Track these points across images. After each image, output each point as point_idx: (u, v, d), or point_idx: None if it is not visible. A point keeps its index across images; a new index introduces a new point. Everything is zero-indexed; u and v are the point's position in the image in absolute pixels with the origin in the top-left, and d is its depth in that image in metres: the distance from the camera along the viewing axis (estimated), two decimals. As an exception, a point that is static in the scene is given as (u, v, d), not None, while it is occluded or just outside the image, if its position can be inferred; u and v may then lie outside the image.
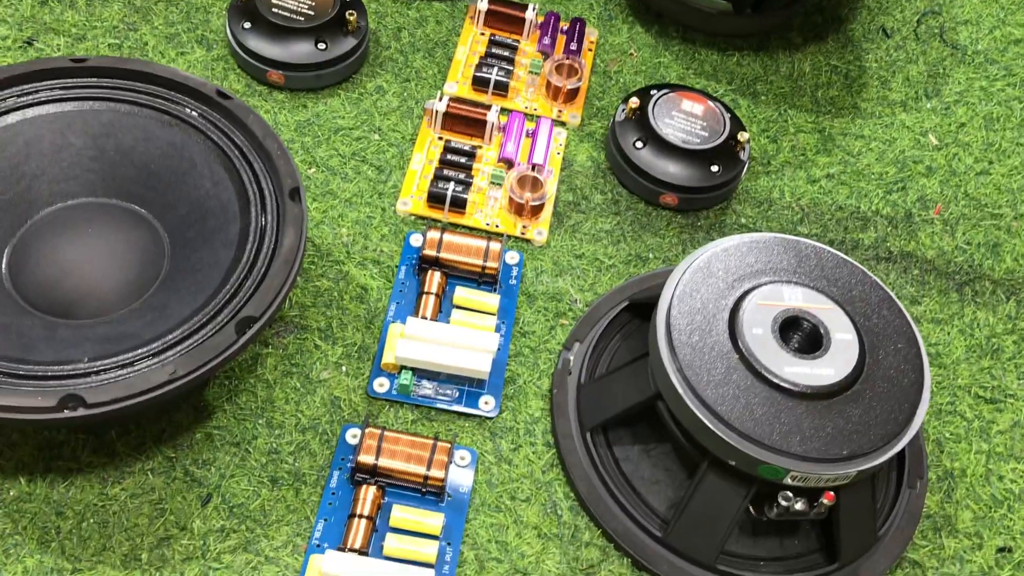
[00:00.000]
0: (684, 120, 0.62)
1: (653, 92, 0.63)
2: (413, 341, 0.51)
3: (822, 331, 0.46)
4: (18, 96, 0.49)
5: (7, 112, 0.49)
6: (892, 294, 0.49)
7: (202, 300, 0.44)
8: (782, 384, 0.44)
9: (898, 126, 0.69)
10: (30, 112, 0.49)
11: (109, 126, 0.50)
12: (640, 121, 0.62)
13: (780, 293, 0.48)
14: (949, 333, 0.59)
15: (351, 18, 0.63)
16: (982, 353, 0.58)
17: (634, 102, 0.62)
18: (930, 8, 0.77)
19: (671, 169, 0.60)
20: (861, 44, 0.74)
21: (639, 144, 0.61)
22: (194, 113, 0.50)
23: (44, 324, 0.45)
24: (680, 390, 0.44)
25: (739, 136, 0.61)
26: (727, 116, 0.62)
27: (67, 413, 0.39)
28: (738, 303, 0.47)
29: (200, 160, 0.49)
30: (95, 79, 0.50)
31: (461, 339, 0.52)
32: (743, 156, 0.61)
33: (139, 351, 0.42)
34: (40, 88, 0.49)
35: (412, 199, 0.60)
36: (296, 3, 0.62)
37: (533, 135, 0.63)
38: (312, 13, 0.62)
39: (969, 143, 0.69)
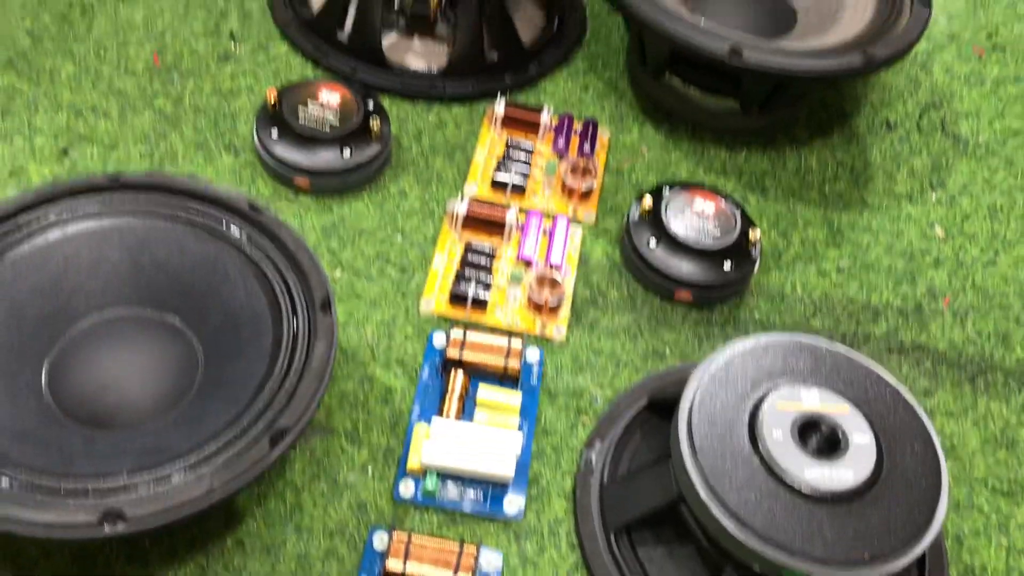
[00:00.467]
0: (696, 219, 0.63)
1: (665, 191, 0.65)
2: (438, 444, 0.53)
3: (840, 433, 0.47)
4: (59, 213, 0.51)
5: (49, 229, 0.51)
6: (906, 394, 0.50)
7: (236, 412, 0.46)
8: (803, 490, 0.45)
9: (905, 218, 0.71)
10: (70, 228, 0.51)
11: (145, 240, 0.52)
12: (653, 220, 0.63)
13: (798, 395, 0.49)
14: (964, 425, 0.60)
15: (375, 126, 0.65)
16: (997, 445, 0.59)
17: (647, 202, 0.64)
18: (931, 101, 0.79)
19: (685, 268, 0.62)
20: (866, 138, 0.76)
21: (653, 243, 0.63)
22: (227, 226, 0.52)
23: (83, 436, 0.46)
24: (703, 495, 0.45)
25: (750, 234, 0.63)
26: (738, 214, 0.64)
27: (107, 529, 0.40)
28: (757, 406, 0.48)
29: (233, 272, 0.51)
30: (131, 194, 0.52)
31: (485, 440, 0.53)
32: (754, 253, 0.63)
33: (176, 464, 0.43)
34: (79, 205, 0.52)
35: (435, 299, 0.61)
36: (322, 112, 0.65)
37: (550, 234, 0.65)
38: (337, 122, 0.65)
39: (975, 234, 0.70)
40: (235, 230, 0.52)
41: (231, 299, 0.51)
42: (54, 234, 0.51)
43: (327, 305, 0.49)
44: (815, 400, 0.49)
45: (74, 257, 0.51)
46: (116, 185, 0.52)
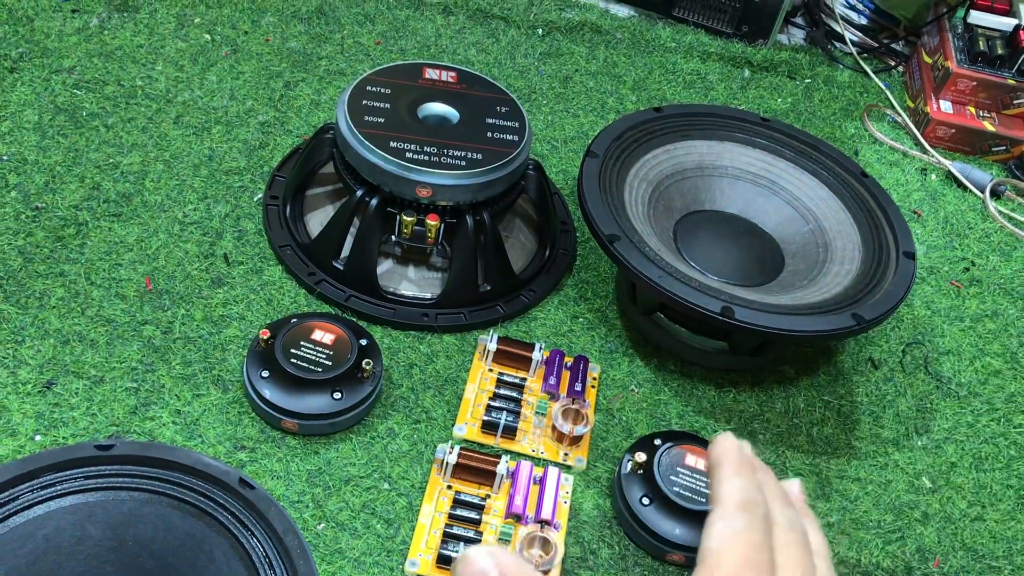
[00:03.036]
0: (689, 476, 0.63)
1: (657, 442, 0.65)
2: None
3: None
4: (42, 488, 0.50)
5: (30, 506, 0.49)
6: None
7: None
8: None
9: (892, 467, 0.71)
10: (53, 504, 0.49)
11: (130, 515, 0.50)
12: (646, 476, 0.63)
13: None
14: None
15: (367, 367, 0.65)
16: None
17: (639, 456, 0.63)
18: (914, 338, 0.81)
19: (677, 531, 0.61)
20: (851, 377, 0.77)
21: (645, 501, 0.62)
22: (214, 503, 0.51)
23: None
24: None
25: (742, 493, 0.63)
26: (730, 469, 0.64)
27: None
28: None
29: (219, 554, 0.49)
30: (119, 466, 0.51)
31: None
32: (747, 513, 0.63)
33: None
34: (64, 479, 0.50)
35: (420, 559, 0.60)
36: (315, 353, 0.65)
37: (541, 483, 0.64)
38: (330, 363, 0.65)
39: (961, 485, 0.71)
40: (222, 507, 0.51)
41: (215, 585, 0.49)
42: (37, 511, 0.49)
43: (315, 598, 0.47)
44: None
45: (55, 536, 0.49)
46: (105, 456, 0.51)
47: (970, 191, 0.97)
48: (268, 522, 0.50)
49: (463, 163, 0.70)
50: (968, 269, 0.88)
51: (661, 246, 0.71)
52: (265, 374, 0.64)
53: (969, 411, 0.76)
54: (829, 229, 0.76)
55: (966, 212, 0.94)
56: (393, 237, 0.72)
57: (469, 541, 0.60)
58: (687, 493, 0.62)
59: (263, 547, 0.49)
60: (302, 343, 0.65)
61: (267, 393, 0.63)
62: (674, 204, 0.77)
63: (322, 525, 0.60)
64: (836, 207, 0.77)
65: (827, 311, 0.66)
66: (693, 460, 0.64)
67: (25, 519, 0.49)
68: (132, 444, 0.52)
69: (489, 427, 0.67)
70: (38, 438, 0.61)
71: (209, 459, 0.52)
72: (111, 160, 0.79)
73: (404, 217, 0.70)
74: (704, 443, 0.65)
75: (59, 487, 0.50)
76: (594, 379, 0.73)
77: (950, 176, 0.98)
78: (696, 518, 0.61)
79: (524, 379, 0.71)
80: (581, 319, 0.77)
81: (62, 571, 0.49)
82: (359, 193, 0.71)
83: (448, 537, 0.60)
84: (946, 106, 1.02)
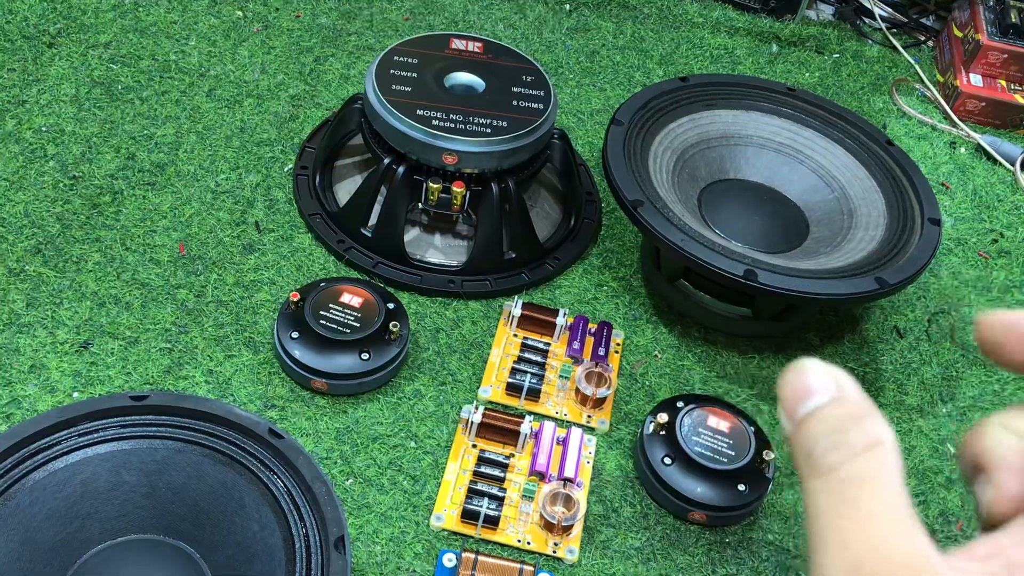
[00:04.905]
0: (710, 438, 0.64)
1: (680, 405, 0.65)
2: None
3: None
4: (79, 435, 0.51)
5: (69, 452, 0.51)
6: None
7: (246, 660, 0.45)
8: None
9: (916, 433, 0.71)
10: (90, 451, 0.51)
11: (163, 463, 0.52)
12: (668, 437, 0.64)
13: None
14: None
15: (394, 329, 0.66)
16: None
17: (662, 417, 0.64)
18: (940, 307, 0.81)
19: (699, 489, 0.62)
20: (876, 344, 0.77)
21: (667, 460, 0.63)
22: (245, 452, 0.52)
23: None
24: None
25: (764, 455, 0.63)
26: (752, 431, 0.64)
27: None
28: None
29: (249, 501, 0.51)
30: (153, 416, 0.53)
31: None
32: (769, 474, 0.63)
33: None
34: (100, 427, 0.52)
35: (446, 514, 0.61)
36: (343, 315, 0.66)
37: (564, 443, 0.65)
38: (358, 324, 0.66)
39: (986, 451, 0.70)
40: (252, 456, 0.52)
41: (245, 530, 0.50)
42: (74, 456, 0.51)
43: (341, 543, 0.49)
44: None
45: (92, 481, 0.51)
46: (139, 407, 0.53)
47: (1000, 164, 0.96)
48: (297, 470, 0.51)
49: (488, 130, 0.71)
50: (996, 241, 0.88)
51: (685, 213, 0.71)
52: (295, 335, 0.65)
53: (995, 380, 0.76)
54: (854, 196, 0.76)
55: (995, 185, 0.94)
56: (420, 204, 0.73)
57: (493, 497, 0.61)
58: (709, 453, 0.63)
59: (291, 494, 0.51)
60: (331, 305, 0.67)
61: (297, 353, 0.65)
62: (699, 173, 0.78)
63: (350, 480, 0.62)
64: (861, 175, 0.77)
65: (850, 275, 0.67)
66: (715, 422, 0.65)
67: (64, 464, 0.51)
68: (166, 395, 0.53)
69: (513, 389, 0.68)
70: (76, 395, 0.63)
71: (240, 410, 0.53)
72: (145, 131, 0.81)
73: (430, 184, 0.71)
74: (728, 406, 0.66)
75: (96, 435, 0.52)
76: (617, 345, 0.73)
77: (979, 149, 0.97)
78: (718, 478, 0.62)
79: (548, 344, 0.71)
80: (605, 287, 0.77)
81: (98, 515, 0.51)
82: (387, 161, 0.72)
83: (472, 493, 0.61)
84: (976, 79, 1.01)
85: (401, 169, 0.72)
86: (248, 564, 0.50)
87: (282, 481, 0.51)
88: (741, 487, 0.62)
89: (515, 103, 0.74)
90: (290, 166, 0.81)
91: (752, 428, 0.65)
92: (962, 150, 0.98)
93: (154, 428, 0.52)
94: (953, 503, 0.67)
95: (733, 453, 0.63)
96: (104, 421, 0.52)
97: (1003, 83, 1.02)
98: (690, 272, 0.73)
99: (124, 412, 0.52)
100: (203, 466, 0.52)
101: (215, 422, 0.53)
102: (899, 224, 0.72)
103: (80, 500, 0.50)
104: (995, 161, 0.96)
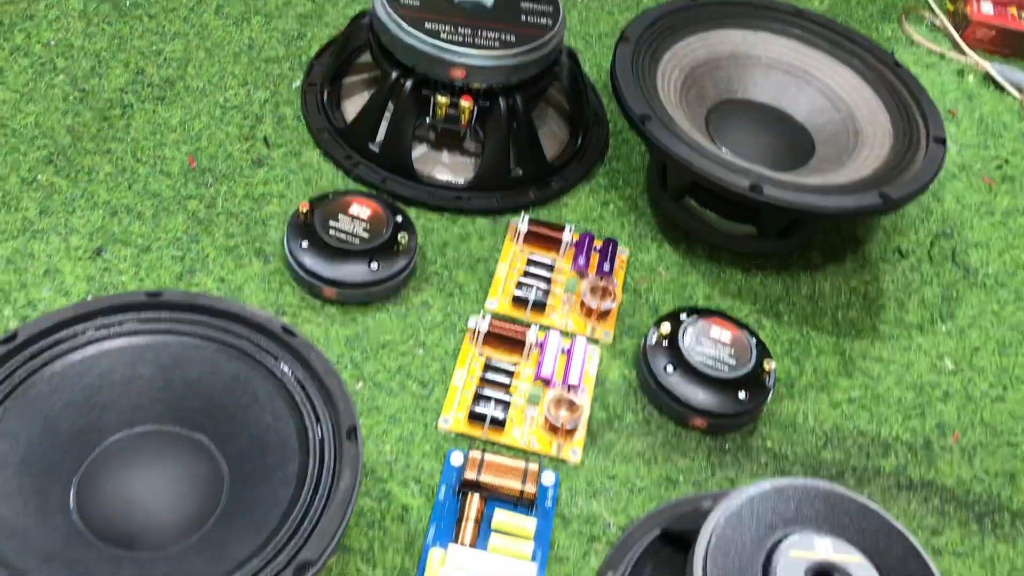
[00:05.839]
0: (713, 347, 0.65)
1: (683, 316, 0.66)
2: (454, 573, 0.53)
3: (852, 586, 0.48)
4: (96, 330, 0.52)
5: (86, 345, 0.52)
6: (918, 545, 0.51)
7: (260, 541, 0.46)
8: (815, 644, 0.46)
9: (915, 349, 0.72)
10: (106, 344, 0.52)
11: (178, 358, 0.53)
12: (671, 346, 0.65)
13: (811, 543, 0.50)
14: (971, 568, 0.60)
15: (402, 240, 0.67)
16: (1004, 589, 0.60)
17: (665, 328, 0.65)
18: (942, 230, 0.81)
19: (700, 396, 0.63)
20: (878, 264, 0.78)
21: (670, 368, 0.64)
22: (258, 348, 0.53)
23: (109, 559, 0.47)
24: (717, 646, 0.46)
25: (765, 364, 0.64)
26: (753, 342, 0.66)
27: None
28: (771, 553, 0.49)
29: (262, 394, 0.52)
30: (168, 312, 0.54)
31: (499, 570, 0.54)
32: (769, 383, 0.64)
33: (201, 594, 0.44)
34: (116, 322, 0.53)
35: (453, 416, 0.62)
36: (352, 225, 0.67)
37: (568, 353, 0.66)
38: (367, 235, 0.67)
39: (984, 368, 0.72)
40: (265, 352, 0.53)
41: (259, 422, 0.52)
42: (91, 350, 0.52)
43: (353, 433, 0.50)
44: (828, 549, 0.50)
45: (108, 373, 0.52)
46: (154, 303, 0.54)
47: (1007, 92, 0.96)
48: (309, 365, 0.52)
49: (497, 44, 0.71)
50: (1001, 167, 0.88)
51: (693, 130, 0.72)
52: (305, 244, 0.66)
53: (995, 300, 0.77)
54: (860, 117, 0.76)
55: (1002, 113, 0.94)
56: (427, 120, 0.74)
57: (499, 402, 0.62)
58: (711, 362, 0.64)
59: (304, 387, 0.52)
60: (340, 216, 0.67)
61: (307, 262, 0.66)
62: (707, 92, 0.78)
63: (360, 384, 0.63)
64: (868, 96, 0.77)
65: (854, 191, 0.67)
66: (718, 332, 0.66)
67: (81, 357, 0.52)
68: (180, 293, 0.54)
69: (519, 302, 0.69)
70: (90, 298, 0.64)
71: (253, 308, 0.54)
72: (154, 47, 0.81)
73: (438, 98, 0.72)
74: (730, 319, 0.67)
75: (112, 329, 0.53)
76: (622, 261, 0.74)
77: (988, 78, 0.97)
78: (719, 385, 0.63)
79: (554, 260, 0.72)
80: (611, 206, 0.78)
81: (115, 406, 0.52)
82: (394, 75, 0.73)
83: (479, 397, 0.63)
84: (987, 8, 1.01)
85: (409, 83, 0.72)
86: (262, 454, 0.51)
87: (295, 375, 0.53)
88: (741, 395, 0.63)
89: (524, 18, 0.74)
90: (298, 83, 0.81)
91: (754, 339, 0.66)
92: (970, 79, 0.97)
93: (169, 324, 0.54)
94: (950, 415, 0.68)
95: (734, 362, 0.64)
96: (120, 316, 0.53)
97: (1014, 11, 1.01)
98: (696, 190, 0.74)
99: (139, 308, 0.54)
100: (217, 361, 0.53)
101: (229, 319, 0.54)
102: (904, 143, 0.72)
103: (98, 391, 0.52)
104: (1003, 90, 0.96)
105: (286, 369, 0.52)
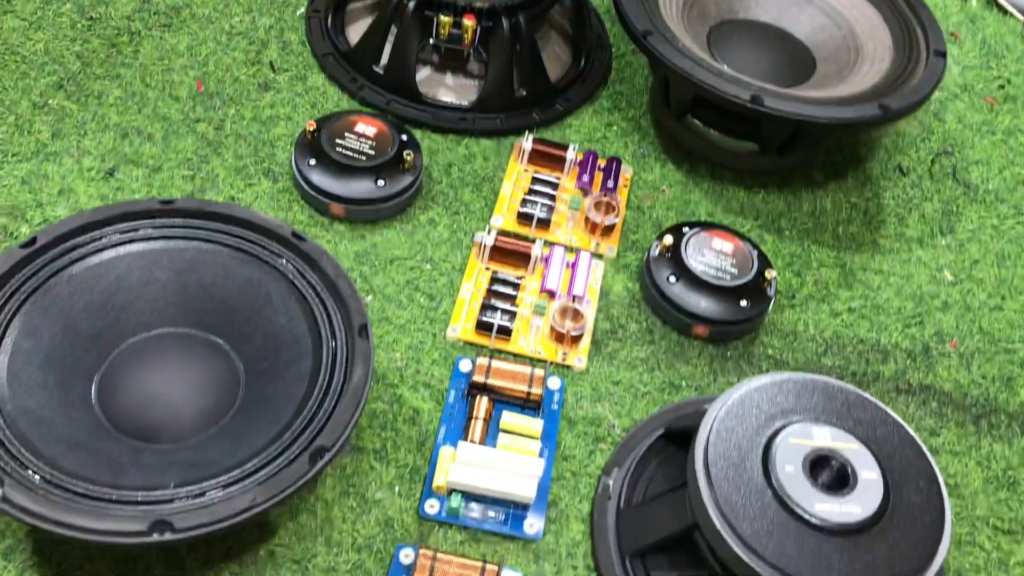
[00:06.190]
0: (715, 257, 0.66)
1: (685, 230, 0.67)
2: (464, 467, 0.55)
3: (849, 470, 0.50)
4: (112, 234, 0.54)
5: (103, 250, 0.53)
6: (914, 434, 0.52)
7: (277, 430, 0.48)
8: (814, 521, 0.47)
9: (915, 262, 0.73)
10: (122, 249, 0.54)
11: (192, 263, 0.54)
12: (673, 258, 0.66)
13: (810, 432, 0.51)
14: (967, 465, 0.62)
15: (408, 157, 0.68)
16: (999, 485, 0.61)
17: (668, 240, 0.66)
18: (943, 148, 0.82)
19: (702, 304, 0.64)
20: (879, 182, 0.79)
21: (672, 279, 0.65)
22: (270, 252, 0.55)
23: (131, 449, 0.48)
24: (718, 525, 0.48)
25: (766, 273, 0.66)
26: (755, 254, 0.67)
27: (156, 537, 0.43)
28: (771, 441, 0.51)
29: (276, 296, 0.54)
30: (181, 219, 0.55)
31: (508, 464, 0.56)
32: (770, 292, 0.66)
33: (220, 479, 0.46)
34: (132, 227, 0.54)
35: (461, 326, 0.64)
36: (358, 143, 0.68)
37: (573, 267, 0.67)
38: (373, 152, 0.68)
39: (982, 279, 0.73)
40: (278, 256, 0.55)
41: (273, 322, 0.53)
42: (108, 254, 0.53)
43: (364, 331, 0.52)
44: (826, 437, 0.51)
45: (125, 276, 0.53)
46: (168, 210, 0.55)
47: (1011, 15, 0.96)
48: (320, 268, 0.54)
49: (499, -37, 0.71)
50: (1004, 87, 0.88)
51: (695, 47, 0.72)
52: (312, 162, 0.67)
53: (995, 214, 0.78)
54: (861, 34, 0.76)
55: (1005, 35, 0.94)
56: (431, 41, 0.74)
57: (505, 312, 0.64)
58: (713, 271, 0.65)
59: (316, 289, 0.53)
60: (347, 134, 0.68)
61: (315, 179, 0.67)
62: (708, 11, 0.78)
63: (370, 297, 0.65)
64: (870, 12, 0.77)
65: (855, 102, 0.68)
66: (719, 244, 0.67)
67: (98, 260, 0.53)
68: (192, 200, 0.56)
69: (524, 218, 0.70)
70: (104, 216, 0.65)
71: (264, 215, 0.56)
72: (159, -24, 0.82)
73: (441, 17, 0.72)
74: (732, 232, 0.68)
75: (128, 234, 0.54)
76: (626, 180, 0.75)
77: (991, 1, 0.97)
78: (721, 293, 0.65)
79: (559, 178, 0.73)
80: (615, 127, 0.79)
81: (132, 308, 0.54)
82: (398, -3, 0.73)
83: (486, 308, 0.64)
84: (990, -69, 1.00)
85: (411, 3, 0.73)
86: (276, 353, 0.53)
87: (306, 277, 0.54)
88: (743, 303, 0.65)
89: (526, -62, 0.74)
90: (302, 10, 0.82)
91: (755, 250, 0.67)
92: (973, 2, 0.97)
93: (183, 230, 0.55)
94: (948, 324, 0.69)
95: (736, 271, 0.66)
96: (135, 222, 0.55)
97: (1017, -65, 1.00)
98: (698, 107, 0.74)
99: (153, 214, 0.55)
100: (231, 265, 0.55)
101: (241, 225, 0.56)
102: (905, 57, 0.73)
103: (115, 294, 0.53)
104: (1006, 12, 0.96)
105: (287, 264, 0.53)
